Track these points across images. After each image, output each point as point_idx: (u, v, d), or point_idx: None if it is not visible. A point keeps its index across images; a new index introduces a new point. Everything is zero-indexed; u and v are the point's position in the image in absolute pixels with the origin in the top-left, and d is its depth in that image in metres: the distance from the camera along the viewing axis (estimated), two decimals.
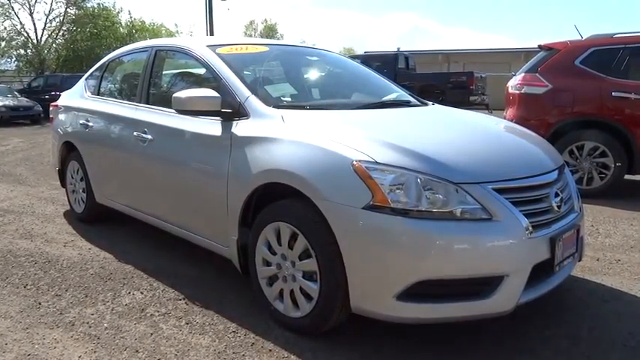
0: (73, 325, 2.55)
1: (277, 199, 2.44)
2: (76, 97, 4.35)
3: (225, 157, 2.65)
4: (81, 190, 4.28)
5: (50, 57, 27.75)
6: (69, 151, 4.38)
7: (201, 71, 3.10)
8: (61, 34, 27.75)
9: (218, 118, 2.77)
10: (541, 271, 2.21)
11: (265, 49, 3.28)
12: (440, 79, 16.50)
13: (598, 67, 5.21)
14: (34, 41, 27.26)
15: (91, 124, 3.93)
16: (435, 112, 3.14)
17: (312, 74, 3.41)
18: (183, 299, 2.83)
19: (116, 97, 3.90)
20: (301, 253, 2.30)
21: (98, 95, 4.10)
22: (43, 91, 17.93)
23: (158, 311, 2.69)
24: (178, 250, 3.57)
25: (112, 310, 2.71)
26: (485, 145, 2.48)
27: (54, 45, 27.80)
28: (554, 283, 2.30)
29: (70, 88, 4.66)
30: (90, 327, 2.53)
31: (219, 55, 3.02)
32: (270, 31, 48.06)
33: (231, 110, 2.72)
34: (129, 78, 4.07)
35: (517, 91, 5.62)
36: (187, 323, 2.56)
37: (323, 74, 3.44)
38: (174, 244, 3.59)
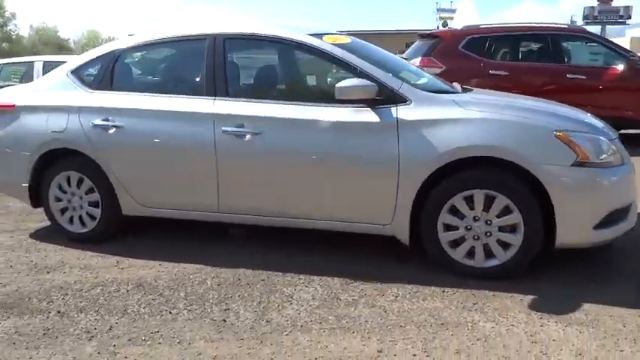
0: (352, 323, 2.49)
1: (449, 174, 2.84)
2: (60, 92, 3.56)
3: (391, 142, 2.87)
4: (86, 205, 3.60)
5: None
6: (50, 161, 3.61)
7: (316, 61, 3.12)
8: None
9: (361, 105, 2.94)
10: None
11: (349, 39, 3.41)
12: None
13: (475, 51, 6.66)
14: None
15: (119, 123, 3.35)
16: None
17: (391, 62, 3.66)
18: (380, 282, 2.90)
19: (153, 91, 3.40)
20: (499, 212, 2.79)
21: (113, 90, 3.48)
22: None
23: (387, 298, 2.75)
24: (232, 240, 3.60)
25: (310, 307, 2.69)
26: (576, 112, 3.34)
27: None
28: None
29: None
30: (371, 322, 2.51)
31: (336, 45, 3.10)
32: None
33: (383, 97, 2.92)
34: (172, 69, 3.57)
35: None
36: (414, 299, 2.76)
37: (392, 61, 3.72)
38: (216, 235, 3.66)
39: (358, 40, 3.57)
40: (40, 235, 3.93)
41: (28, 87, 3.84)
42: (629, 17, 29.18)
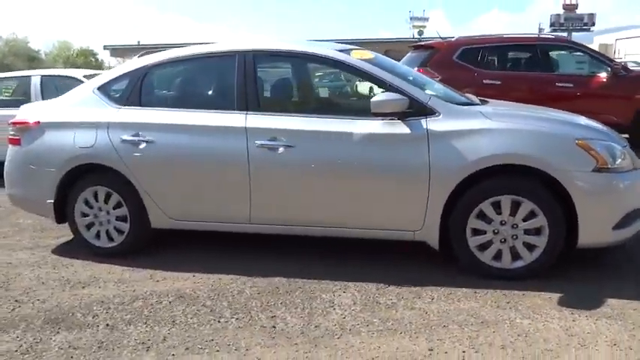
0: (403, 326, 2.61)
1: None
2: (87, 109, 3.62)
3: (422, 152, 3.03)
4: (114, 220, 3.65)
5: None
6: (75, 177, 3.65)
7: (345, 76, 3.27)
8: None
9: (392, 118, 3.09)
10: None
11: (372, 55, 3.57)
12: None
13: (469, 61, 6.91)
14: None
15: (150, 138, 3.43)
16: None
17: (412, 75, 3.83)
18: (413, 285, 3.05)
19: (183, 107, 3.50)
20: (525, 216, 2.97)
21: (142, 105, 3.55)
22: None
23: (429, 298, 2.92)
24: (258, 250, 3.71)
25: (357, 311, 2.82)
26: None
27: None
28: None
29: None
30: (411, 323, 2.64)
31: (364, 60, 3.26)
32: None
33: (413, 110, 3.09)
34: (201, 85, 3.65)
35: None
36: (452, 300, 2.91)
37: (413, 75, 3.90)
38: (241, 246, 3.77)
39: (379, 54, 3.74)
40: (62, 250, 3.95)
41: (51, 103, 3.87)
42: (593, 24, 30.37)
